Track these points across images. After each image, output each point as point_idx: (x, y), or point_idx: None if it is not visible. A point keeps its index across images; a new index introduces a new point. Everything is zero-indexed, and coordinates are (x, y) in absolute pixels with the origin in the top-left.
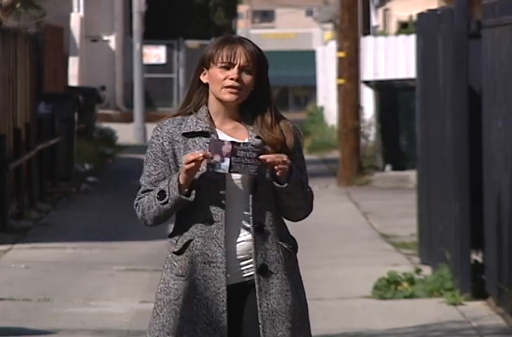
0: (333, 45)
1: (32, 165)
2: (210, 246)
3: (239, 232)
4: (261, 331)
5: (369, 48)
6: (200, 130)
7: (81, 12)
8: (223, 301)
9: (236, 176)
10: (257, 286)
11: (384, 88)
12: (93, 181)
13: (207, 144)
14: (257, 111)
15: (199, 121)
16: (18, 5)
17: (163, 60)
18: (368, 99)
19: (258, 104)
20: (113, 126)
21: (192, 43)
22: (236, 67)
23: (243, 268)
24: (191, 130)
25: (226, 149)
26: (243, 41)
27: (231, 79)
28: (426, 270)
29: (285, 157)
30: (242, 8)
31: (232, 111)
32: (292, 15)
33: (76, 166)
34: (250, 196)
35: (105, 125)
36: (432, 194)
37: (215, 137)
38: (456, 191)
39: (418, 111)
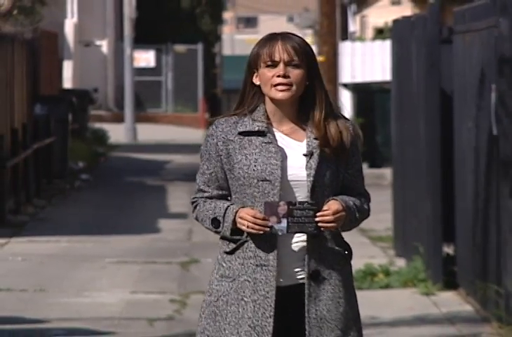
0: (313, 49)
1: (29, 163)
2: (263, 249)
3: (293, 236)
4: None
5: (347, 53)
6: (256, 129)
7: (75, 19)
8: (271, 306)
9: (290, 179)
10: (306, 291)
11: (361, 91)
12: (86, 178)
13: (263, 144)
14: (309, 108)
15: (256, 120)
16: (15, 12)
17: (152, 64)
18: (346, 100)
19: (310, 101)
20: (105, 126)
21: (180, 48)
22: (281, 63)
23: (295, 270)
24: (248, 129)
25: (282, 210)
26: (284, 36)
27: (278, 76)
28: (401, 262)
29: (337, 214)
30: (227, 15)
31: (289, 111)
32: (275, 21)
33: (70, 164)
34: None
35: (97, 125)
36: (406, 191)
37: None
38: (428, 188)
39: (393, 113)
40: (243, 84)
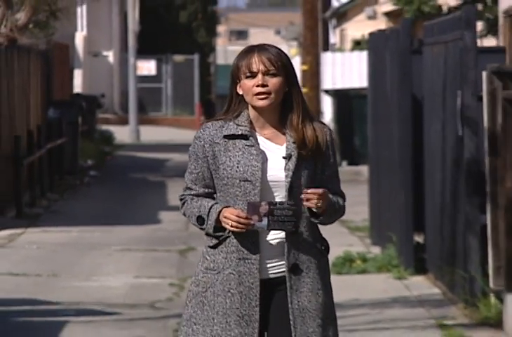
0: (298, 59)
1: (43, 161)
2: (245, 244)
3: (272, 232)
4: (292, 328)
5: (328, 62)
6: (240, 133)
7: (84, 32)
8: (256, 296)
9: (270, 180)
10: (288, 284)
11: (340, 96)
12: (94, 175)
13: (246, 147)
14: (288, 113)
15: (239, 125)
16: (31, 25)
17: (153, 72)
18: (327, 105)
19: (288, 106)
20: (111, 128)
21: (178, 58)
22: (259, 73)
23: (275, 264)
24: (232, 133)
25: (263, 209)
26: (260, 48)
27: (258, 86)
28: (376, 250)
29: (320, 191)
30: (220, 28)
31: (270, 117)
32: (263, 34)
33: (80, 162)
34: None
35: (104, 127)
36: (381, 186)
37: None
38: (401, 183)
39: (369, 116)
40: (229, 94)
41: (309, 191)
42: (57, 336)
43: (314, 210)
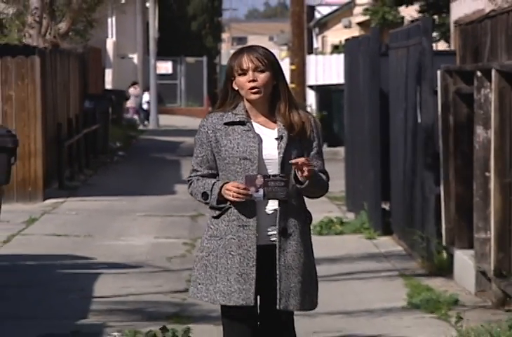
0: (287, 60)
1: (80, 143)
2: (244, 213)
3: (268, 203)
4: (277, 281)
5: (312, 63)
6: (238, 120)
7: (114, 38)
8: (253, 257)
9: (265, 158)
10: (277, 244)
11: (322, 91)
12: (122, 154)
13: (244, 131)
14: (276, 102)
15: (237, 114)
16: (71, 33)
17: (170, 71)
18: (311, 98)
19: (277, 96)
20: (136, 117)
21: (190, 60)
22: (250, 71)
23: (269, 232)
24: (231, 120)
25: (259, 182)
26: (249, 49)
27: (249, 82)
28: (351, 215)
29: (303, 159)
30: (224, 35)
31: (262, 107)
32: (259, 40)
33: (110, 144)
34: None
35: (130, 116)
36: (355, 164)
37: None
38: (371, 161)
39: (345, 107)
40: (224, 90)
41: (294, 161)
42: (92, 285)
43: (303, 176)
